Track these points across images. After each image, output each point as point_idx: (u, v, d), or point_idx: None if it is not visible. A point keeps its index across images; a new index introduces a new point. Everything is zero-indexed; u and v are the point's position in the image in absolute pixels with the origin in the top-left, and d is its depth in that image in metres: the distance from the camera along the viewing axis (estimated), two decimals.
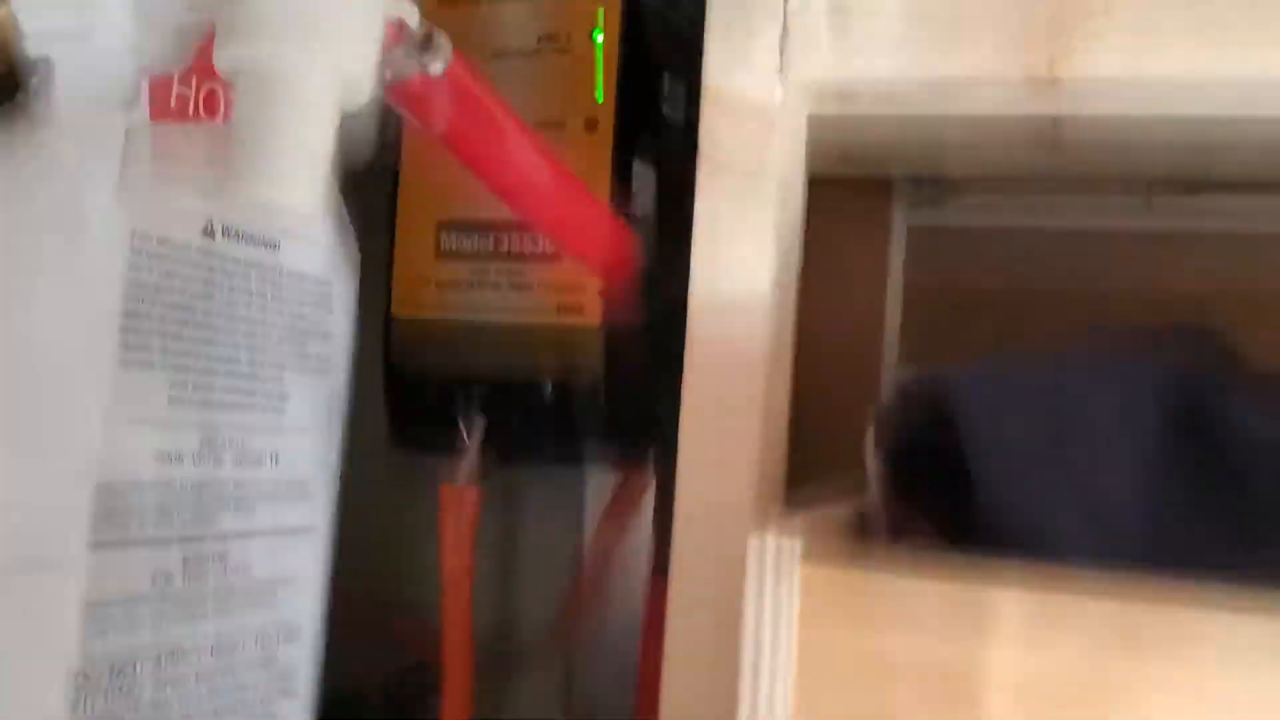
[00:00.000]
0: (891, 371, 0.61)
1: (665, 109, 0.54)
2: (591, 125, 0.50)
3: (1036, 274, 0.61)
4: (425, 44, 0.26)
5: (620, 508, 0.59)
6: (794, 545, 0.28)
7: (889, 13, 0.34)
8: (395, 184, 0.55)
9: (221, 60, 0.23)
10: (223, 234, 0.35)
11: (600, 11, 0.51)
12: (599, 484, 0.63)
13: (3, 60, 0.27)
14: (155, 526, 0.33)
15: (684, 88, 0.55)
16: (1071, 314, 0.60)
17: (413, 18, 0.26)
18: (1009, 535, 0.32)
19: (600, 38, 0.51)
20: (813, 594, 0.28)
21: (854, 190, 0.61)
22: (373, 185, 0.41)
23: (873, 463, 0.39)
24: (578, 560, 0.62)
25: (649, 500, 0.61)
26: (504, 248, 0.53)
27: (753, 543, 0.28)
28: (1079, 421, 0.34)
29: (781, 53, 0.35)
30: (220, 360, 0.35)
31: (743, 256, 0.35)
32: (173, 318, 0.33)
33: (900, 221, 0.62)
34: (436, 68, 0.27)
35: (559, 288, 0.52)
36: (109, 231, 0.31)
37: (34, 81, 0.30)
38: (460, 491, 0.50)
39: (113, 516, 0.32)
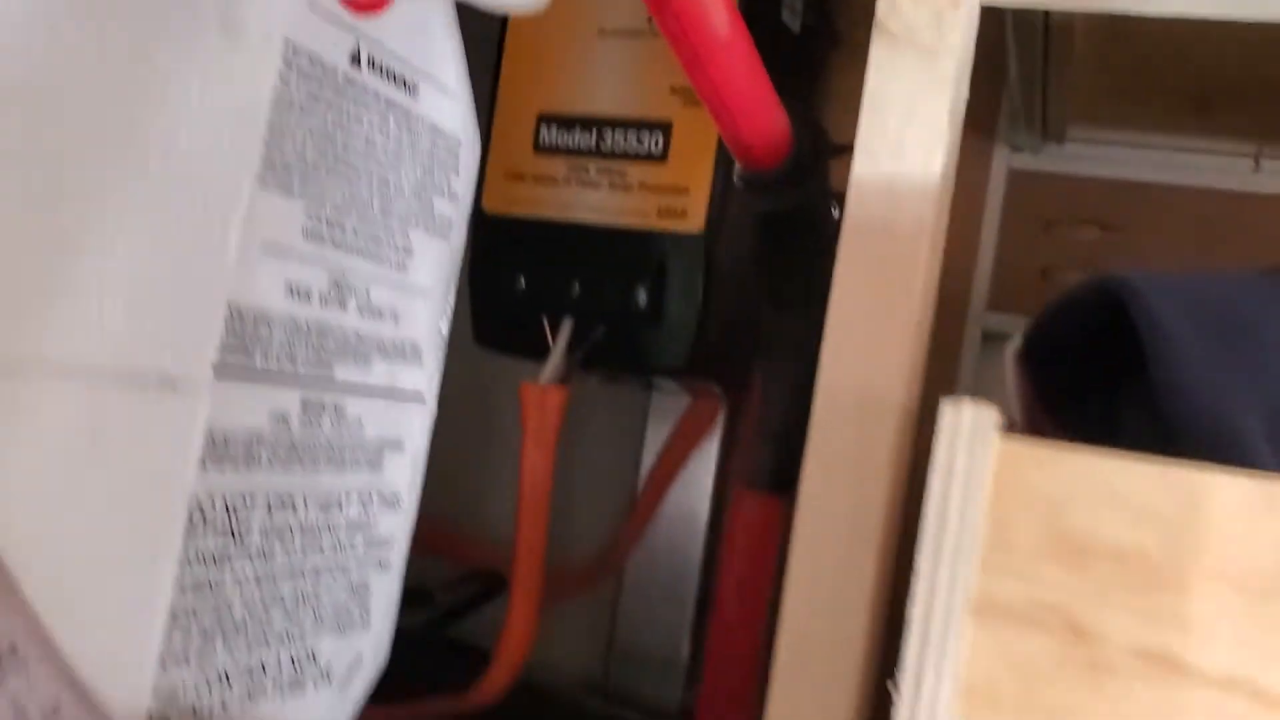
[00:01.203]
0: (979, 306, 0.59)
1: (784, 15, 0.52)
2: None
3: (1136, 228, 0.60)
4: None
5: (690, 431, 0.58)
6: (992, 416, 0.26)
7: None
8: (496, 72, 0.53)
9: None
10: (369, 65, 0.33)
11: None
12: (662, 405, 0.61)
13: None
14: (278, 362, 0.31)
15: None
16: (1170, 265, 0.58)
17: None
18: (1189, 436, 0.30)
19: None
20: (1008, 469, 0.26)
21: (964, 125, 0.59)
22: (471, 73, 0.39)
23: (1014, 376, 0.37)
24: (633, 481, 0.61)
25: (718, 425, 0.59)
26: (606, 145, 0.51)
27: (945, 412, 0.26)
28: (1257, 328, 0.32)
29: None
30: (354, 200, 0.33)
31: (917, 138, 0.33)
32: (313, 144, 0.31)
33: (1001, 164, 0.61)
34: None
35: (662, 190, 0.50)
36: (264, 36, 0.29)
37: None
38: (543, 391, 0.48)
39: (240, 344, 0.30)
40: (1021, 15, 0.47)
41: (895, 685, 0.27)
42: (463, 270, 0.50)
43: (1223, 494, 0.25)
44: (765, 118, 0.35)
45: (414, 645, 0.55)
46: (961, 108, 0.35)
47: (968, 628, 0.26)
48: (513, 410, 0.47)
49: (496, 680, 0.47)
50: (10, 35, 0.23)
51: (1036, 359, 0.37)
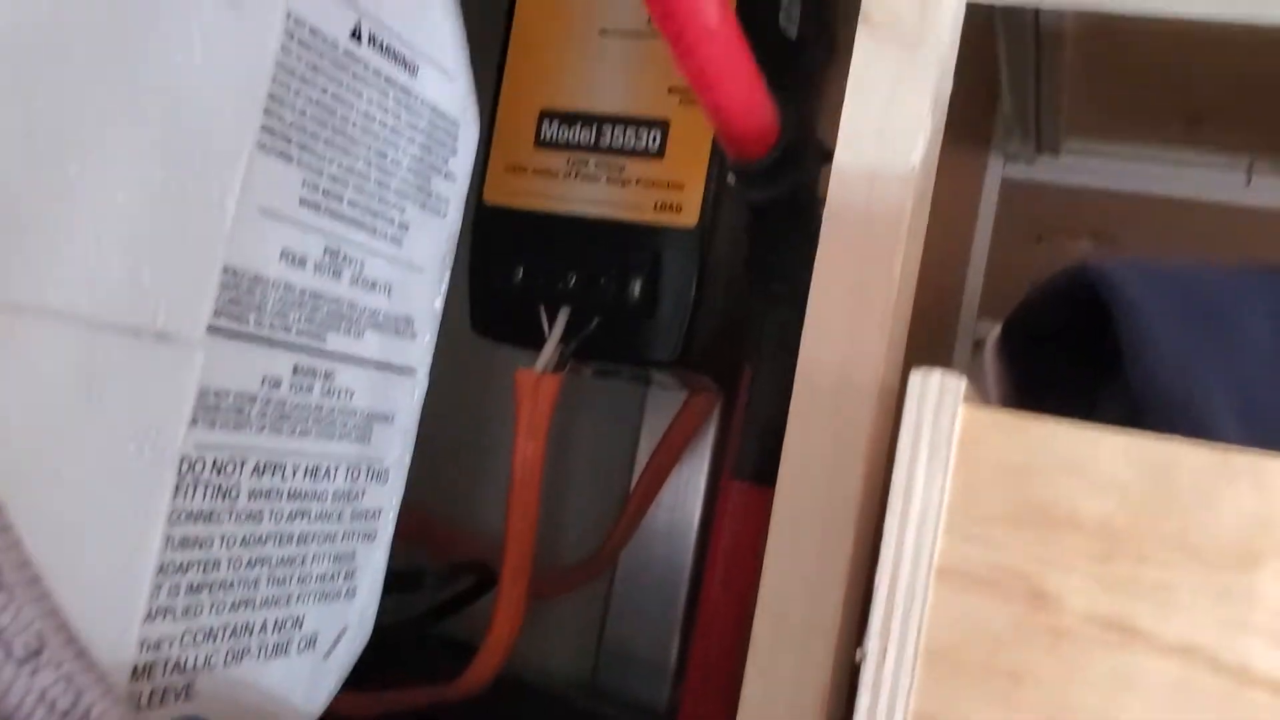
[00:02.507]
0: (970, 314, 0.60)
1: (781, 20, 0.53)
2: None
3: (1129, 239, 0.60)
4: None
5: (685, 427, 0.58)
6: (959, 384, 0.27)
7: None
8: (500, 68, 0.54)
9: None
10: (369, 41, 0.34)
11: None
12: (657, 400, 0.62)
13: None
14: (271, 327, 0.32)
15: (800, 1, 0.54)
16: None
17: None
18: (1159, 410, 0.31)
19: None
20: (974, 437, 0.27)
21: (953, 136, 0.60)
22: (475, 67, 0.40)
23: (993, 367, 0.38)
24: (628, 476, 0.61)
25: (713, 421, 0.60)
26: (606, 141, 0.52)
27: (913, 380, 0.27)
28: (1228, 310, 0.33)
29: None
30: (351, 172, 0.34)
31: (898, 127, 0.34)
32: (312, 114, 0.32)
33: (995, 173, 0.62)
34: None
35: (658, 186, 0.51)
36: (267, 6, 0.30)
37: None
38: (537, 379, 0.49)
39: (234, 305, 0.31)
40: (1011, 21, 0.48)
41: (862, 650, 0.28)
42: (462, 259, 0.51)
43: (1185, 465, 0.26)
44: (753, 106, 0.36)
45: (404, 639, 0.56)
46: (945, 99, 0.36)
47: (932, 593, 0.27)
48: (506, 400, 0.48)
49: (482, 670, 0.47)
50: None
51: (1015, 349, 0.38)
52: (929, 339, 0.60)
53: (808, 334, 0.35)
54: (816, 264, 0.35)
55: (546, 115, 0.53)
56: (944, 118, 0.36)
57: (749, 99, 0.36)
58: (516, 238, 0.52)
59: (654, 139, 0.51)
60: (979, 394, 0.39)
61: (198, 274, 0.30)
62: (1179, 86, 0.53)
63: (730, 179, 0.43)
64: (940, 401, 0.27)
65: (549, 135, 0.52)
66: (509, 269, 0.52)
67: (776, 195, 0.41)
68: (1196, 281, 0.34)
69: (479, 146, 0.42)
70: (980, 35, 0.41)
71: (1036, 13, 0.46)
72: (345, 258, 0.34)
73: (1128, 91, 0.55)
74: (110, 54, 0.26)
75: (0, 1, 0.24)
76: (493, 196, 0.53)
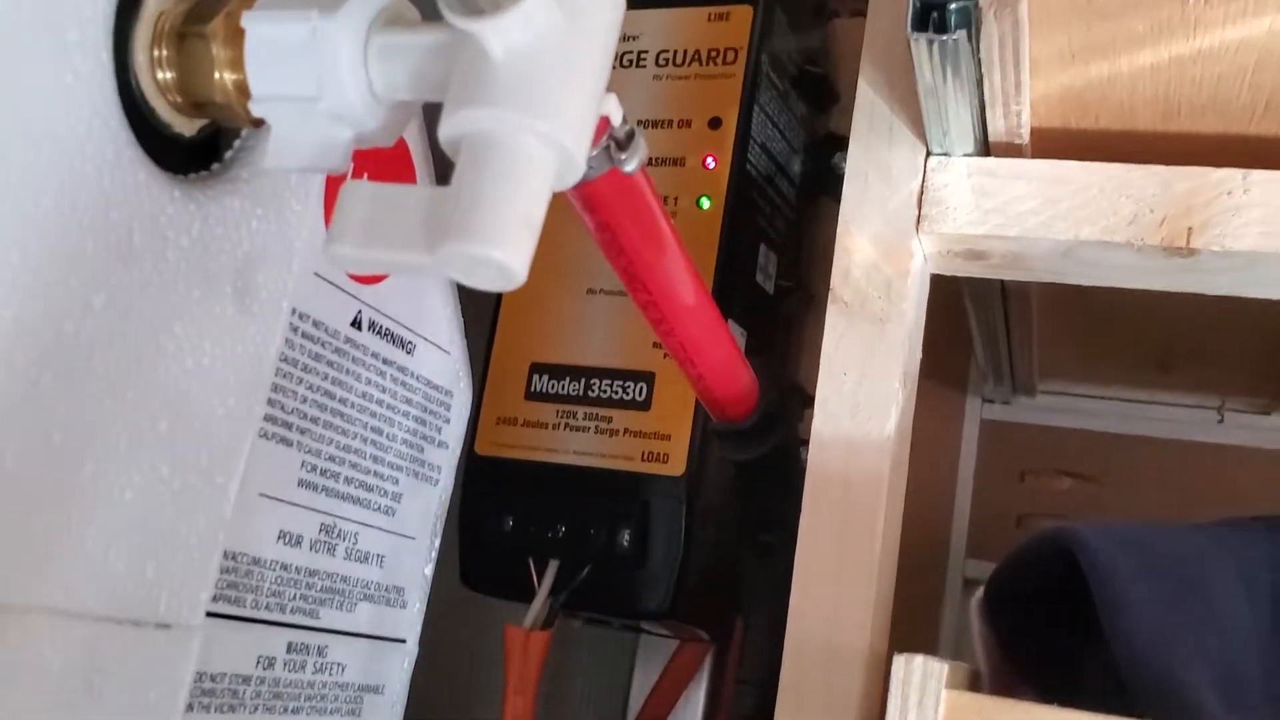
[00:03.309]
0: (958, 554, 0.60)
1: (759, 278, 0.56)
2: None
3: (1107, 477, 0.62)
4: (627, 141, 0.28)
5: (677, 676, 0.58)
6: (941, 669, 0.28)
7: (1030, 175, 0.36)
8: (493, 325, 0.56)
9: (449, 128, 0.25)
10: (369, 328, 0.36)
11: (708, 181, 0.53)
12: (649, 648, 0.61)
13: (225, 119, 0.29)
14: (267, 607, 0.33)
15: (776, 259, 0.57)
16: (1140, 515, 0.60)
17: (618, 115, 0.27)
18: (1141, 688, 0.31)
19: (706, 204, 0.53)
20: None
21: (931, 381, 0.62)
22: (468, 323, 0.42)
23: (979, 626, 0.38)
24: None
25: (705, 669, 0.59)
26: (594, 393, 0.53)
27: (897, 664, 0.28)
28: (1202, 584, 0.34)
29: (920, 205, 0.37)
30: (348, 451, 0.35)
31: (871, 399, 0.36)
32: (312, 400, 0.34)
33: (974, 415, 0.63)
34: (631, 165, 0.28)
35: (645, 436, 0.52)
36: (274, 305, 0.32)
37: (235, 149, 0.31)
38: (527, 635, 0.49)
39: (232, 588, 0.32)
40: (977, 283, 0.51)
41: None
42: (452, 512, 0.52)
43: None
44: (732, 376, 0.38)
45: None
46: (915, 369, 0.38)
47: None
48: (496, 653, 0.48)
49: None
50: (47, 304, 0.26)
51: (999, 609, 0.38)
52: (920, 577, 0.60)
53: (795, 600, 0.36)
54: (800, 530, 0.36)
55: (537, 369, 0.55)
56: (915, 387, 0.38)
57: (728, 370, 0.38)
58: (507, 488, 0.53)
59: (640, 390, 0.53)
60: (969, 651, 0.39)
61: (199, 562, 0.31)
62: (1147, 334, 0.56)
63: (712, 434, 0.44)
64: (924, 686, 0.28)
65: (539, 388, 0.54)
66: (499, 520, 0.52)
67: (760, 454, 0.42)
68: (1170, 546, 0.35)
69: (473, 397, 0.43)
70: (950, 293, 0.43)
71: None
72: (340, 533, 0.35)
73: (1097, 339, 0.57)
74: (127, 364, 0.28)
75: (28, 317, 0.26)
76: (484, 448, 0.54)
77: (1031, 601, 0.37)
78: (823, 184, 0.59)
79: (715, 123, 0.54)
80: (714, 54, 0.55)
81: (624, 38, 0.57)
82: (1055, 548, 0.35)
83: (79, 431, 0.27)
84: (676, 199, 0.53)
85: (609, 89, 0.27)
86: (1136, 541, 0.34)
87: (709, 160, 0.53)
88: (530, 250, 0.24)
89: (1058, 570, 0.35)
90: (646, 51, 0.56)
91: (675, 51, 0.56)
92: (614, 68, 0.58)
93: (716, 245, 0.52)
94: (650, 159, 0.55)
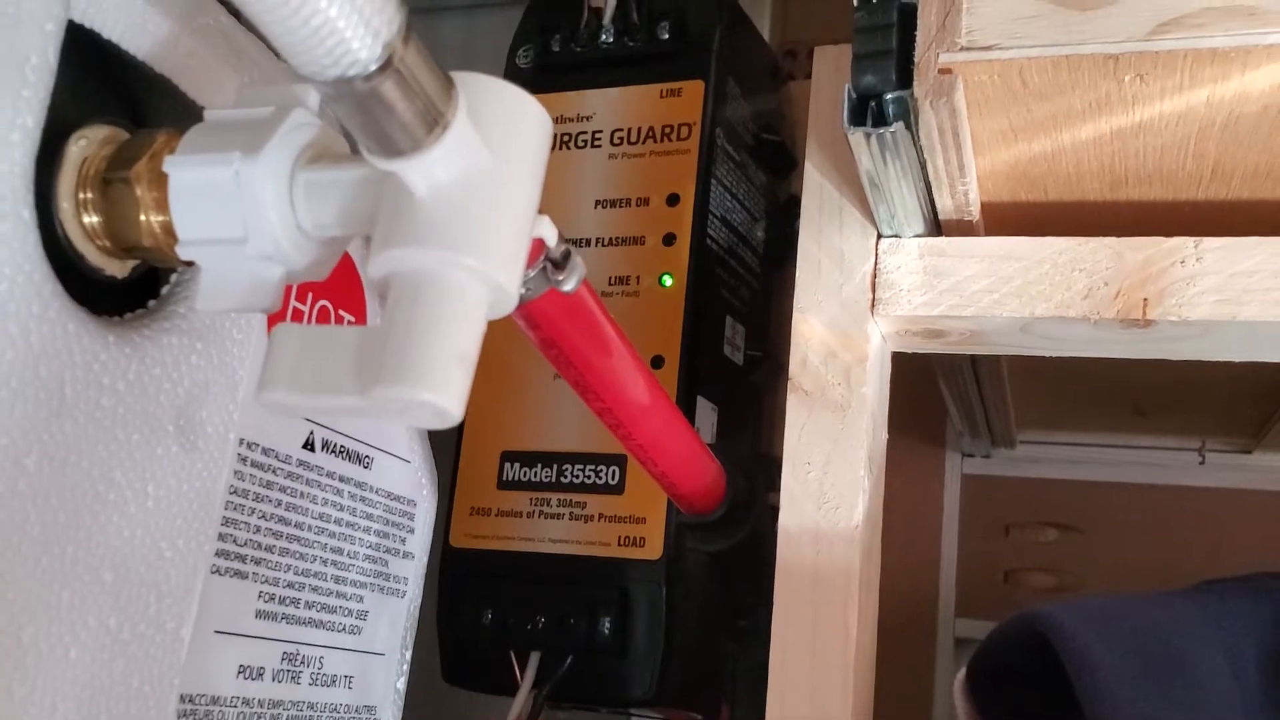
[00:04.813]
0: (948, 614, 0.60)
1: (726, 350, 0.55)
2: (657, 365, 0.52)
3: (1092, 526, 0.61)
4: (563, 261, 0.27)
5: None
6: None
7: (982, 254, 0.35)
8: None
9: (377, 267, 0.24)
10: (322, 447, 0.35)
11: (669, 258, 0.53)
12: None
13: (156, 261, 0.28)
14: None
15: (743, 329, 0.56)
16: (1127, 561, 0.59)
17: (553, 236, 0.27)
18: None
19: (669, 281, 0.53)
20: None
21: (908, 440, 0.61)
22: None
23: (962, 705, 0.38)
24: None
25: None
26: (566, 479, 0.53)
27: None
28: (1185, 664, 0.33)
29: (874, 289, 0.36)
30: (307, 575, 0.35)
31: (837, 488, 0.35)
32: (266, 529, 0.33)
33: (954, 470, 0.63)
34: (570, 285, 0.28)
35: (620, 520, 0.52)
36: (220, 438, 0.32)
37: (171, 285, 0.31)
38: None
39: None
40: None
41: None
42: (430, 606, 0.51)
43: None
44: (697, 471, 0.37)
45: None
46: (881, 453, 0.38)
47: None
48: None
49: None
50: None
51: (982, 687, 0.38)
52: (910, 639, 0.59)
53: (772, 692, 0.35)
54: (774, 623, 0.36)
55: (508, 456, 0.54)
56: (882, 471, 0.37)
57: (692, 466, 0.37)
58: (484, 581, 0.52)
59: (613, 474, 0.52)
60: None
61: (154, 712, 0.30)
62: (1119, 383, 0.55)
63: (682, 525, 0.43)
64: None
65: (511, 476, 0.54)
66: (478, 614, 0.52)
67: (730, 544, 0.42)
68: (1149, 622, 0.34)
69: (444, 490, 0.42)
70: (919, 355, 0.43)
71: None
72: (304, 659, 0.35)
73: (1070, 390, 0.57)
74: (65, 520, 0.27)
75: None
76: (459, 540, 0.53)
77: (1014, 681, 0.36)
78: (787, 249, 0.59)
79: (673, 199, 0.53)
80: (668, 130, 0.55)
81: (577, 118, 0.57)
82: (1032, 630, 0.34)
83: (15, 597, 0.26)
84: (639, 278, 0.53)
85: (542, 210, 0.27)
86: (1114, 620, 0.34)
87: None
88: (465, 388, 0.24)
89: (1037, 651, 0.34)
90: (601, 131, 0.56)
91: (629, 129, 0.55)
92: (569, 148, 0.58)
93: (681, 322, 0.52)
94: (609, 239, 0.55)
